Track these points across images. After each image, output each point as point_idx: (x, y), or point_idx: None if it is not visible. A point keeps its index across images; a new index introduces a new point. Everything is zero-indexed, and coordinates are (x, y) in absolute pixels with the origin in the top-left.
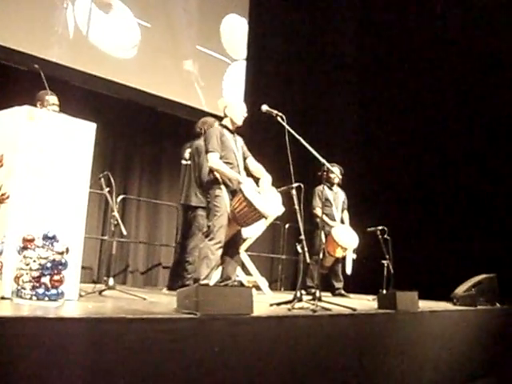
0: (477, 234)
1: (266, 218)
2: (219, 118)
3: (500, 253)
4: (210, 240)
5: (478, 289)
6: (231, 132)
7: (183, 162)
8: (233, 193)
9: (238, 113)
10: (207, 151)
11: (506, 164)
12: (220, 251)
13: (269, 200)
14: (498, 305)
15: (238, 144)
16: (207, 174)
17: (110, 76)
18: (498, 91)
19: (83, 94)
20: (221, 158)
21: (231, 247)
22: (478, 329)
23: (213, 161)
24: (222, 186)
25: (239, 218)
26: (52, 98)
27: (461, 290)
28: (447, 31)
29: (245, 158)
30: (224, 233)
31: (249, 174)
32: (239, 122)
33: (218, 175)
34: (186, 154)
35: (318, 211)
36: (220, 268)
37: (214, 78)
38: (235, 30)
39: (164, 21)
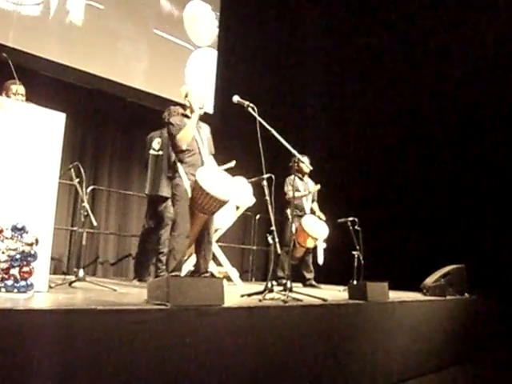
0: (446, 225)
1: (224, 203)
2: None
3: (468, 243)
4: (174, 231)
5: (447, 279)
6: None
7: (152, 152)
8: (193, 181)
9: (194, 100)
10: (174, 137)
11: (475, 155)
12: (186, 242)
13: (228, 184)
14: (466, 295)
15: (201, 132)
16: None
17: (76, 64)
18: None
19: (52, 83)
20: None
21: (203, 238)
22: (448, 318)
23: (178, 139)
24: (182, 175)
25: (200, 206)
26: (19, 88)
27: (430, 280)
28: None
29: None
30: (188, 222)
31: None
32: (195, 109)
33: (178, 165)
34: (155, 145)
35: (290, 194)
36: (194, 258)
37: (177, 65)
38: (199, 17)
39: (126, 5)
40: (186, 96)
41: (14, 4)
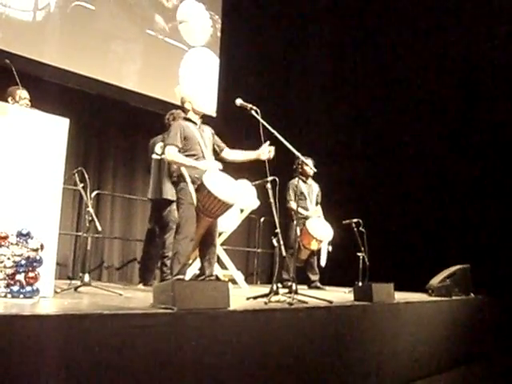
0: (450, 225)
1: (230, 207)
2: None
3: (473, 243)
4: (179, 234)
5: (452, 279)
6: (195, 123)
7: (155, 156)
8: (198, 185)
9: (198, 101)
10: (165, 144)
11: (480, 156)
12: (190, 245)
13: (234, 187)
14: (472, 295)
15: (204, 135)
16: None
17: (71, 67)
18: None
19: (55, 89)
20: (186, 150)
21: (207, 241)
22: (453, 319)
23: (169, 153)
24: (187, 179)
25: (206, 210)
26: (23, 93)
27: (436, 280)
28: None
29: (221, 151)
30: (192, 226)
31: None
32: (202, 109)
33: (182, 169)
34: (158, 149)
35: (293, 205)
36: (198, 262)
37: (171, 65)
38: (192, 16)
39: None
40: (184, 102)
41: (2, 6)
